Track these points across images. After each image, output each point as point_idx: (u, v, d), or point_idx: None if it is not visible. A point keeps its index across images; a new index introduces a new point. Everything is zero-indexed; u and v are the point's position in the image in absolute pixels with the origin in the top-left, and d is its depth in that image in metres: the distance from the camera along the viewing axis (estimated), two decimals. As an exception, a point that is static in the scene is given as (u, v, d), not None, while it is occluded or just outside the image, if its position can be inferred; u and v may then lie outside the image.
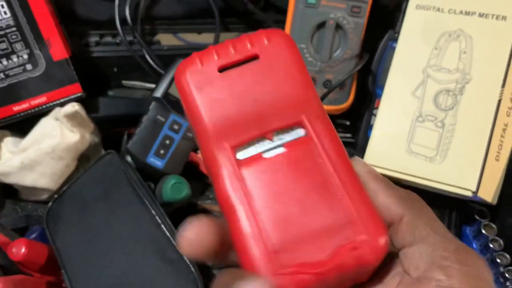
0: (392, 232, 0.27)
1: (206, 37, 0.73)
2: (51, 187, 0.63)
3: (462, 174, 0.57)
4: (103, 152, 0.68)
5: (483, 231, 0.62)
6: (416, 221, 0.27)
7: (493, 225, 0.62)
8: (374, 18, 0.67)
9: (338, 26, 0.65)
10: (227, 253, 0.27)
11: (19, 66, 0.62)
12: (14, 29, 0.61)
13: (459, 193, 0.57)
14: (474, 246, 0.63)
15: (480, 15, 0.60)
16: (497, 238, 0.61)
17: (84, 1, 0.71)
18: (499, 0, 0.59)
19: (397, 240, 0.27)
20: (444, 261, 0.25)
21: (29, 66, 0.63)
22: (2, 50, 0.61)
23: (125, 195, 0.58)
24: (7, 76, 0.62)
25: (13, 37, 0.61)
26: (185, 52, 0.71)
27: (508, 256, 0.60)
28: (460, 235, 0.65)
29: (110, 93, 0.73)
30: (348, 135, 0.74)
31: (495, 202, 0.58)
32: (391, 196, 0.27)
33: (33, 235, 0.62)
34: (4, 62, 0.62)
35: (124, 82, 0.74)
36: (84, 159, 0.66)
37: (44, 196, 0.65)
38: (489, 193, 0.57)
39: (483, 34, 0.59)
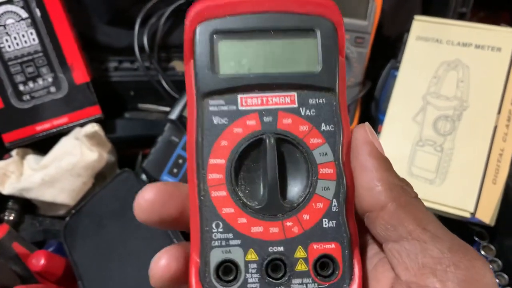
0: (369, 220, 0.25)
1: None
2: (69, 202, 0.66)
3: (461, 196, 0.60)
4: (118, 170, 0.72)
5: (482, 252, 0.64)
6: (401, 214, 0.24)
7: (492, 247, 0.65)
8: (377, 48, 0.71)
9: (343, 55, 0.69)
10: (185, 217, 0.26)
11: (44, 88, 0.67)
12: (41, 54, 0.66)
13: (457, 214, 0.60)
14: (474, 267, 0.65)
15: (477, 46, 0.63)
16: (496, 259, 0.63)
17: (104, 29, 0.76)
18: (494, 33, 0.63)
19: (376, 229, 0.25)
20: (437, 265, 0.22)
21: (53, 89, 0.67)
22: (29, 73, 0.66)
23: (140, 211, 0.61)
24: (32, 97, 0.66)
25: (40, 61, 0.66)
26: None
27: (506, 276, 0.62)
28: (460, 256, 0.67)
29: (127, 115, 0.77)
30: (352, 158, 0.77)
31: (493, 224, 0.61)
32: (380, 180, 0.25)
33: (50, 249, 0.65)
34: (31, 84, 0.66)
35: (140, 105, 0.78)
36: (100, 177, 0.69)
37: (61, 212, 0.68)
38: (487, 214, 0.60)
39: (479, 64, 0.63)
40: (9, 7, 0.64)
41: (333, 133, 0.26)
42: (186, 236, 0.59)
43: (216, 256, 0.25)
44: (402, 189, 0.25)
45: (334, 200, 0.26)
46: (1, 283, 0.56)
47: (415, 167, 0.63)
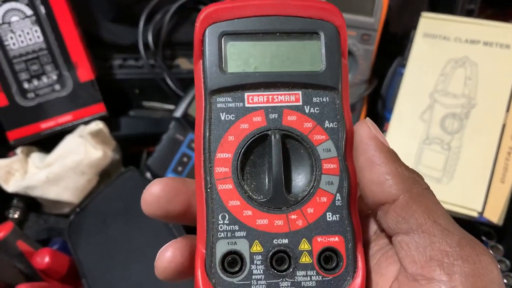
0: (382, 212, 0.25)
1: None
2: (74, 200, 0.66)
3: (468, 195, 0.59)
4: (122, 168, 0.71)
5: (490, 252, 0.64)
6: (412, 206, 0.24)
7: (500, 247, 0.64)
8: (384, 45, 0.70)
9: (349, 52, 0.69)
10: (191, 212, 0.27)
11: (48, 86, 0.67)
12: (45, 52, 0.65)
13: (465, 213, 0.59)
14: (482, 267, 0.65)
15: (485, 43, 0.63)
16: (504, 259, 0.62)
17: (109, 27, 0.76)
18: (502, 30, 0.62)
19: (387, 222, 0.25)
20: (445, 258, 0.22)
21: (57, 87, 0.67)
22: (34, 71, 0.66)
23: (144, 209, 0.61)
24: (37, 95, 0.66)
25: (45, 59, 0.66)
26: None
27: (514, 276, 0.61)
28: (467, 256, 0.66)
29: (131, 113, 0.77)
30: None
31: (501, 223, 0.60)
32: (389, 173, 0.24)
33: (55, 247, 0.65)
34: (35, 82, 0.66)
35: (145, 103, 0.77)
36: (105, 174, 0.69)
37: (66, 210, 0.68)
38: (495, 214, 0.59)
39: (488, 62, 0.62)
40: (13, 5, 0.64)
41: (336, 130, 0.27)
42: (190, 232, 0.58)
43: (222, 247, 0.26)
44: (413, 181, 0.25)
45: (338, 194, 0.27)
46: (5, 280, 0.56)
47: (422, 166, 0.62)
